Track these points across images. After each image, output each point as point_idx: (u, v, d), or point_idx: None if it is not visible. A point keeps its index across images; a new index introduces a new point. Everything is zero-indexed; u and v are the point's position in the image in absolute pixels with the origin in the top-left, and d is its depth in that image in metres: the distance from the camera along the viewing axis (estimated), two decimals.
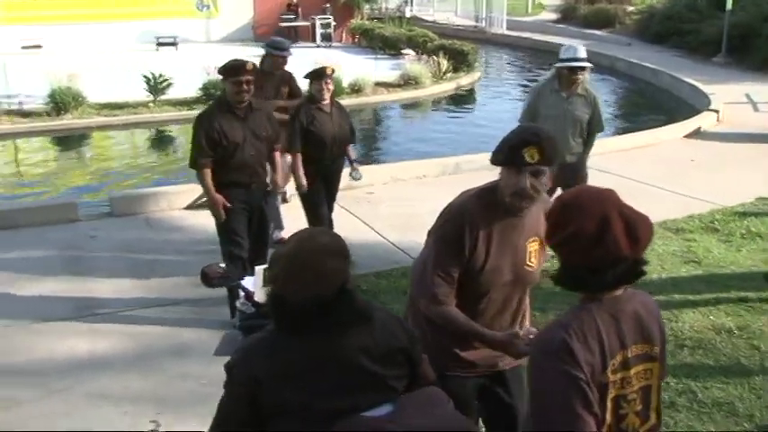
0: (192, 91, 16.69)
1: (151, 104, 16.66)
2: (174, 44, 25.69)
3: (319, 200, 7.33)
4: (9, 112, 15.93)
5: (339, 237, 2.76)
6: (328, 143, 7.19)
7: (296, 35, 27.14)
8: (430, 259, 3.49)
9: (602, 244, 2.42)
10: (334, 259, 2.65)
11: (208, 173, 6.32)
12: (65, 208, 9.46)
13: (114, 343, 6.30)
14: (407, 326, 2.92)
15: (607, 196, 2.52)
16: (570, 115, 7.24)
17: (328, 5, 27.88)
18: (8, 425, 5.15)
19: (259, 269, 3.64)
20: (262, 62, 8.03)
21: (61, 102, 15.73)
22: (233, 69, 6.26)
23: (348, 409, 2.56)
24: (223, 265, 3.88)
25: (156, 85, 16.79)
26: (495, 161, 3.33)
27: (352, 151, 7.68)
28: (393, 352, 2.72)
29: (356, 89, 17.79)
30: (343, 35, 28.60)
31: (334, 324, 2.62)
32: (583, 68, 7.18)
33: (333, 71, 7.32)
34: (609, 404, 2.45)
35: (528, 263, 3.51)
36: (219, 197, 6.33)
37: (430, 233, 3.56)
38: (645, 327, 2.55)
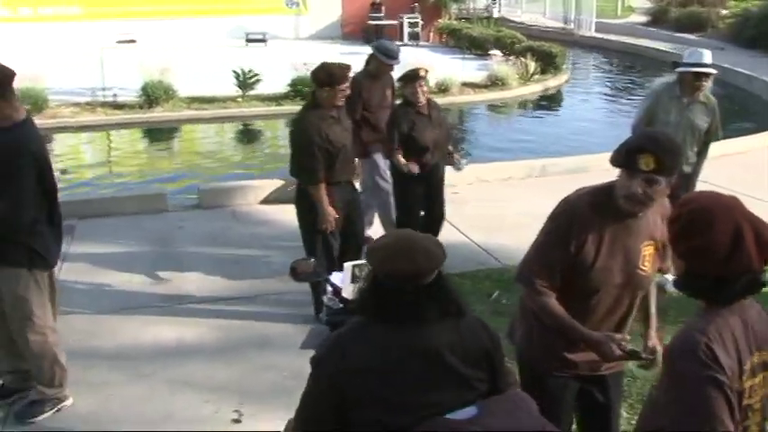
0: (281, 87, 16.88)
1: (240, 99, 16.92)
2: (263, 40, 26.00)
3: (413, 203, 7.20)
4: (104, 104, 16.39)
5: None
6: (430, 147, 7.01)
7: (381, 34, 27.23)
8: (535, 250, 3.51)
9: (735, 256, 2.38)
10: (431, 244, 2.80)
11: (324, 186, 6.17)
12: (154, 199, 9.68)
13: (199, 332, 6.40)
14: (492, 330, 2.92)
15: (735, 205, 2.47)
16: (689, 123, 6.87)
17: (416, 4, 27.86)
18: (94, 406, 5.29)
19: (348, 265, 3.66)
20: (367, 63, 7.84)
21: (153, 95, 16.12)
22: (335, 78, 6.06)
23: (431, 404, 2.62)
24: (312, 260, 3.92)
25: (245, 81, 17.02)
26: (612, 161, 3.31)
27: (450, 147, 7.48)
28: (477, 354, 2.76)
29: (443, 89, 17.73)
30: (431, 35, 28.52)
31: (427, 313, 2.70)
32: (708, 75, 6.79)
33: (426, 72, 7.15)
34: (740, 413, 2.38)
35: (641, 266, 3.46)
36: (332, 211, 6.19)
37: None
38: (763, 334, 2.48)
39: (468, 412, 2.58)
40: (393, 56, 7.68)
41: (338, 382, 2.68)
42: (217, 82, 17.25)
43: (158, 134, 15.95)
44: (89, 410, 5.25)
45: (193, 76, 18.00)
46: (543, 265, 3.43)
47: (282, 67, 17.63)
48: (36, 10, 25.90)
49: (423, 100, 7.01)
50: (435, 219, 7.44)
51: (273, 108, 16.49)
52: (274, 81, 17.01)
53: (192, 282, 7.39)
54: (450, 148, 7.50)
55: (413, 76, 6.96)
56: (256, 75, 17.13)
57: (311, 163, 6.12)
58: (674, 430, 2.35)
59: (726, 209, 2.45)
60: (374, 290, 2.77)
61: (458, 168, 7.59)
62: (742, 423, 2.39)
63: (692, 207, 2.51)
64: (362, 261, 3.44)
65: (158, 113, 16.10)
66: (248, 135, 16.19)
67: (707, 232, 2.40)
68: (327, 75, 6.09)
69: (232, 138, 15.94)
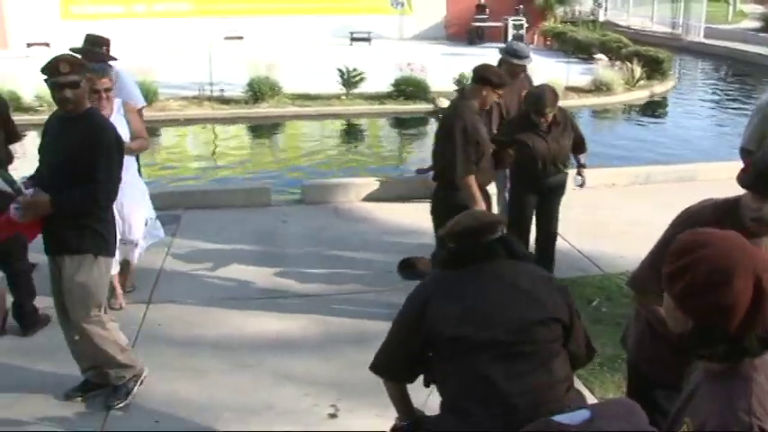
0: (384, 86, 17.02)
1: (343, 97, 17.09)
2: (367, 40, 26.25)
3: (521, 210, 6.99)
4: (210, 98, 16.82)
5: None
6: (540, 160, 6.73)
7: (483, 36, 27.15)
8: (650, 256, 3.48)
9: (760, 312, 2.06)
10: (492, 214, 3.50)
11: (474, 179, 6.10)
12: (259, 193, 9.84)
13: (299, 326, 6.48)
14: (563, 285, 3.41)
15: (747, 247, 2.16)
16: None
17: (521, 7, 27.66)
18: (196, 394, 5.42)
19: None
20: (498, 67, 7.44)
21: (259, 91, 16.46)
22: (502, 80, 6.06)
23: (512, 319, 3.08)
24: (430, 259, 4.01)
25: (349, 79, 17.18)
26: (740, 182, 3.18)
27: (583, 158, 7.32)
28: (547, 285, 3.24)
29: None
30: (535, 37, 28.26)
31: (496, 253, 3.20)
32: None
33: (557, 98, 6.74)
34: None
35: None
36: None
37: None
38: None
39: (580, 415, 2.55)
40: (522, 55, 7.53)
41: (423, 306, 3.17)
42: (321, 79, 17.48)
43: (263, 129, 16.27)
44: (190, 397, 5.38)
45: (298, 73, 18.28)
46: (655, 269, 3.36)
47: (386, 66, 17.74)
48: (150, 6, 26.73)
49: (545, 126, 6.72)
50: (548, 235, 7.14)
51: (377, 107, 16.67)
52: (378, 80, 17.14)
53: (293, 276, 7.49)
54: (583, 159, 7.31)
55: (540, 113, 6.60)
56: (361, 73, 17.27)
57: (473, 154, 6.03)
58: None
59: (743, 254, 2.09)
60: (450, 255, 3.27)
61: (576, 183, 7.37)
62: None
63: (703, 255, 2.12)
64: None
65: (263, 109, 16.44)
66: (351, 133, 16.34)
67: (726, 286, 2.04)
68: (497, 75, 6.08)
69: (335, 135, 16.08)
